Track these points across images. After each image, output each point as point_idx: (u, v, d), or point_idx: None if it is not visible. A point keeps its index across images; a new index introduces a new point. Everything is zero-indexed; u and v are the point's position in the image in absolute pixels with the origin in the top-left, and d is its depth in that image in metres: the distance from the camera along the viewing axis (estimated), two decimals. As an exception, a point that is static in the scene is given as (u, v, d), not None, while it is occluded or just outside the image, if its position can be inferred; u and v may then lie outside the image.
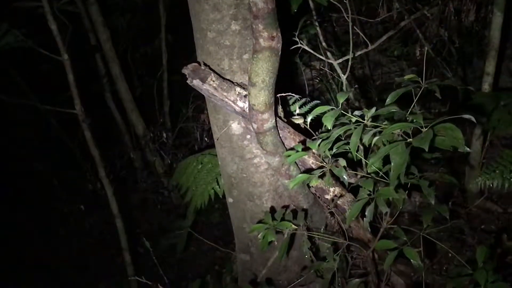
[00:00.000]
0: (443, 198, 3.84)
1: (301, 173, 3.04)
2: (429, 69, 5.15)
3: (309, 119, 2.74)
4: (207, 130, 6.29)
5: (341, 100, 2.41)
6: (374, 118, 2.40)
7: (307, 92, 5.35)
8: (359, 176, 2.93)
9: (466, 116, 1.93)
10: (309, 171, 2.88)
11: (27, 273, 6.09)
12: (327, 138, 2.56)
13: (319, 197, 3.24)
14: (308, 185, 3.15)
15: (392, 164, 2.04)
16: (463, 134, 1.97)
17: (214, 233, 5.94)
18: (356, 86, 5.69)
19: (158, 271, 3.81)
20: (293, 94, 3.23)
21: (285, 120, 3.16)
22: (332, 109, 2.43)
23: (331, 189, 3.09)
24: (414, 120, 2.02)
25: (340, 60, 3.95)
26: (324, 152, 2.59)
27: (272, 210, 3.15)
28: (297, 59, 5.59)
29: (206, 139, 6.22)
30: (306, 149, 2.71)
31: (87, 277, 6.13)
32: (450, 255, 3.39)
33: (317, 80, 6.28)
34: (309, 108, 3.72)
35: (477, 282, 2.13)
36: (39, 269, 6.24)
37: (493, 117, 3.67)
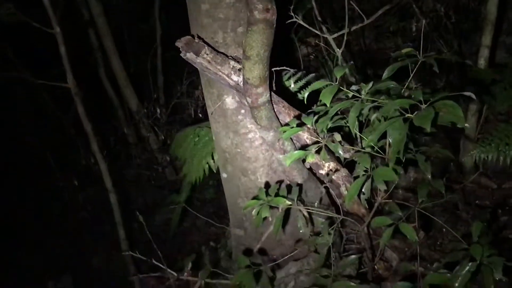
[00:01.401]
0: (438, 173, 3.83)
1: (296, 148, 3.02)
2: (425, 45, 5.11)
3: (305, 95, 2.71)
4: (201, 106, 6.25)
5: (338, 75, 2.38)
6: (371, 93, 2.37)
7: (302, 68, 5.31)
8: (353, 151, 2.91)
9: (467, 93, 1.91)
10: (304, 146, 2.88)
11: (21, 248, 6.09)
12: (324, 114, 2.53)
13: (314, 173, 3.23)
14: (303, 160, 3.14)
15: (391, 140, 2.02)
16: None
17: (208, 209, 5.94)
18: (351, 62, 5.64)
19: (152, 246, 3.80)
20: (288, 68, 3.20)
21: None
22: (329, 84, 2.39)
23: (326, 164, 3.08)
24: (413, 96, 1.99)
25: (335, 35, 3.90)
26: (322, 129, 2.57)
27: (267, 185, 3.14)
28: (292, 34, 5.54)
29: (200, 115, 6.18)
30: (301, 124, 2.68)
31: (81, 252, 6.14)
32: (444, 230, 3.39)
33: (312, 57, 6.23)
34: (305, 83, 3.69)
35: (472, 257, 2.12)
36: (32, 244, 6.25)
37: (489, 94, 3.65)
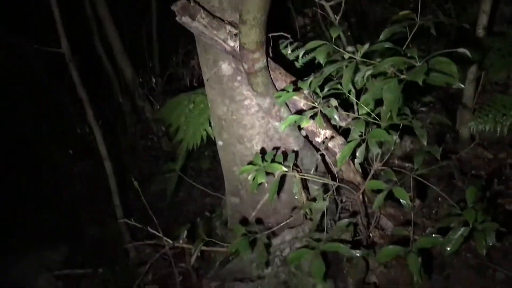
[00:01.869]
0: (434, 143, 3.83)
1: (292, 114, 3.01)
2: (423, 13, 5.05)
3: (301, 54, 2.69)
4: (197, 76, 6.20)
5: (334, 34, 2.36)
6: (368, 57, 2.34)
7: (298, 37, 5.27)
8: (350, 119, 2.90)
9: (461, 50, 1.89)
10: (300, 112, 2.85)
11: (15, 219, 6.08)
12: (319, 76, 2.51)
13: (310, 140, 3.22)
14: (299, 127, 3.13)
15: (384, 101, 2.01)
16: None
17: (204, 180, 5.93)
18: (349, 33, 5.60)
19: (148, 216, 3.80)
20: (285, 34, 3.16)
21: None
22: (324, 43, 2.37)
23: (322, 132, 3.06)
24: (408, 55, 1.97)
25: (332, 2, 3.85)
26: (315, 91, 2.55)
27: (262, 152, 3.13)
28: (289, 3, 5.48)
29: (196, 84, 6.13)
30: (297, 89, 2.66)
31: (77, 221, 6.15)
32: (440, 199, 3.40)
33: (309, 27, 6.18)
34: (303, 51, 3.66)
35: (466, 222, 2.12)
36: (27, 214, 6.24)
37: (487, 61, 3.63)
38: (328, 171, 3.25)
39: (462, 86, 1.92)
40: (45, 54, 4.86)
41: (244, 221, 3.38)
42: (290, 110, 3.04)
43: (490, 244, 2.07)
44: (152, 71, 7.17)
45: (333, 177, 2.82)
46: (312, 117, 2.55)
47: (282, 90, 2.79)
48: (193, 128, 3.99)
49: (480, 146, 3.98)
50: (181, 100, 4.24)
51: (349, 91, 2.71)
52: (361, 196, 2.97)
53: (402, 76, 1.95)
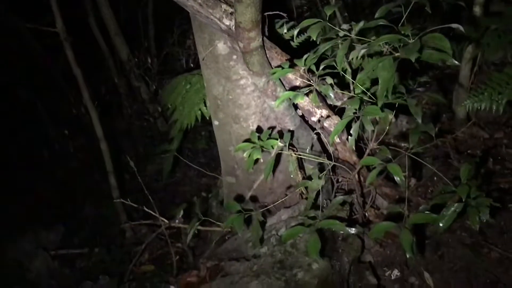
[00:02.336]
0: (430, 123, 3.83)
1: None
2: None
3: (295, 32, 2.68)
4: (193, 56, 6.18)
5: (328, 12, 2.35)
6: (363, 36, 2.34)
7: (295, 17, 5.23)
8: (346, 98, 2.90)
9: (454, 25, 1.89)
10: (295, 90, 2.85)
11: (11, 197, 6.08)
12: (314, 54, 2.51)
13: (306, 120, 3.22)
14: (295, 107, 3.12)
15: (379, 79, 2.01)
16: (453, 57, 1.93)
17: (200, 160, 5.94)
18: (346, 14, 5.57)
19: (144, 196, 3.81)
20: (281, 13, 3.14)
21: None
22: (319, 21, 2.36)
23: (318, 111, 3.06)
24: (403, 33, 1.97)
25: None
26: (311, 69, 2.54)
27: (259, 131, 3.13)
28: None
29: (192, 65, 6.12)
30: (292, 67, 2.65)
31: (73, 202, 6.16)
32: (436, 178, 3.41)
33: (306, 8, 6.13)
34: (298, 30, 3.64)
35: (460, 199, 2.13)
36: (23, 193, 6.24)
37: (483, 41, 3.62)
38: (324, 150, 3.25)
39: (457, 62, 1.92)
40: (41, 34, 4.81)
41: (240, 200, 3.39)
42: (286, 89, 3.03)
43: (484, 220, 2.08)
44: (148, 51, 7.11)
45: (329, 157, 2.82)
46: (307, 94, 2.54)
47: (278, 67, 2.79)
48: (188, 108, 3.99)
49: (476, 126, 3.98)
50: (178, 81, 4.23)
51: (345, 71, 2.71)
52: (356, 176, 2.98)
53: (397, 54, 1.95)
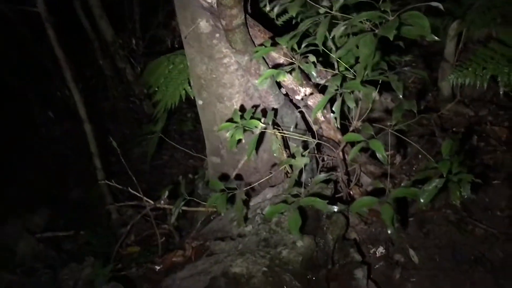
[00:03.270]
0: (414, 99, 3.83)
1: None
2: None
3: (276, 9, 2.65)
4: (178, 38, 6.12)
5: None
6: (345, 12, 2.32)
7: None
8: (329, 76, 2.88)
9: (434, 3, 1.88)
10: (278, 68, 2.83)
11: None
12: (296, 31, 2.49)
13: (290, 99, 3.20)
14: (279, 86, 3.11)
15: (360, 56, 2.00)
16: (437, 34, 1.92)
17: (187, 142, 5.93)
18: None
19: (130, 178, 3.79)
20: (264, -10, 3.11)
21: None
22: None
23: (302, 89, 3.04)
24: (382, 9, 1.95)
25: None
26: (294, 48, 2.53)
27: (242, 110, 3.11)
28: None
29: (177, 46, 6.06)
30: (275, 45, 2.63)
31: (59, 185, 6.12)
32: (420, 156, 3.41)
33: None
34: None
35: (442, 175, 2.12)
36: (8, 177, 6.19)
37: (467, 18, 3.60)
38: (309, 129, 3.24)
39: (436, 38, 1.91)
40: (26, 15, 4.73)
41: (225, 179, 3.38)
42: (269, 67, 3.01)
43: (465, 196, 2.09)
44: (133, 32, 7.05)
45: (313, 135, 2.81)
46: (290, 72, 2.52)
47: (260, 45, 2.76)
48: (172, 88, 3.96)
49: (461, 104, 3.98)
50: (161, 61, 4.19)
51: (330, 50, 2.69)
52: (341, 154, 2.97)
53: (377, 31, 1.93)
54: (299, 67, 2.58)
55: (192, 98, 3.82)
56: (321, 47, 2.35)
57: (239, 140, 2.57)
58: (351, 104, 2.28)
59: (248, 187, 2.86)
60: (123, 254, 3.99)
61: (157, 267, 3.07)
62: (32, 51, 7.82)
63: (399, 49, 4.07)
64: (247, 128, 2.59)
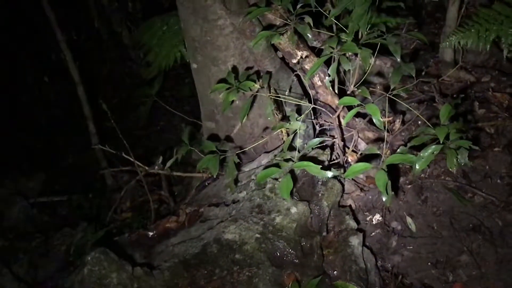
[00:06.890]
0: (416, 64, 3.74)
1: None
2: None
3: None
4: None
5: None
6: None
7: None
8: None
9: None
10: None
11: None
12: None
13: (286, 63, 3.13)
14: (275, 49, 3.03)
15: (353, 15, 1.93)
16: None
17: (184, 107, 5.87)
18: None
19: (124, 142, 3.73)
20: None
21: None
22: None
23: (299, 53, 2.97)
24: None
25: None
26: (289, 8, 2.45)
27: (236, 72, 3.04)
28: None
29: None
30: (269, 4, 2.55)
31: (55, 149, 6.09)
32: (419, 122, 3.35)
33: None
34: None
35: (439, 142, 2.06)
36: (3, 141, 6.14)
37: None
38: (305, 93, 3.17)
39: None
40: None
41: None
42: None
43: (462, 163, 2.03)
44: (130, -6, 6.94)
45: (310, 99, 2.74)
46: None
47: (255, 4, 2.68)
48: (166, 50, 3.88)
49: (463, 69, 3.89)
50: (154, 21, 4.10)
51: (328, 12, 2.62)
52: (337, 119, 2.91)
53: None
54: (294, 28, 2.50)
55: (188, 61, 3.74)
56: (313, 4, 2.27)
57: (233, 102, 2.51)
58: (346, 67, 2.21)
59: (240, 151, 2.79)
60: (117, 219, 3.98)
61: (150, 233, 3.03)
62: (27, 13, 7.70)
63: (402, 12, 3.98)
64: (241, 90, 2.52)
